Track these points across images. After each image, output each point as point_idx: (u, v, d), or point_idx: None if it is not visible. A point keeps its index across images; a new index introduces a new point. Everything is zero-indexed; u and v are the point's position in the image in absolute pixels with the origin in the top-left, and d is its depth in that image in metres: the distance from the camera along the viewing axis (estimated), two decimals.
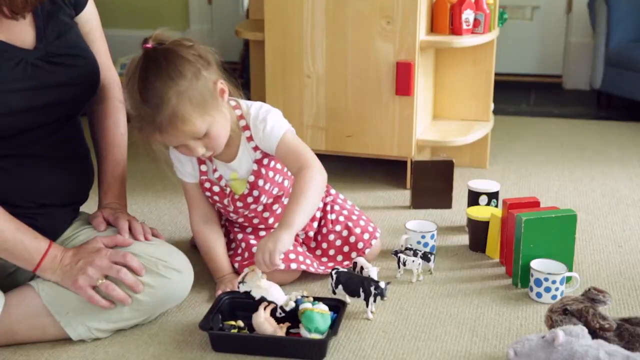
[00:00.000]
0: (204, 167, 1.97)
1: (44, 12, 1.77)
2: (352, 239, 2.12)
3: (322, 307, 1.75)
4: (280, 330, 1.73)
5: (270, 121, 1.90)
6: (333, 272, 1.92)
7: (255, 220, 2.06)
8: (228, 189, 1.96)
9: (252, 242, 2.05)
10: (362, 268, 2.02)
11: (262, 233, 2.07)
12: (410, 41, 2.64)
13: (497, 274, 2.14)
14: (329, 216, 2.15)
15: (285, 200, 2.02)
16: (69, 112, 1.81)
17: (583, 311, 1.67)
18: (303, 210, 1.79)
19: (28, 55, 1.71)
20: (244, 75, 4.30)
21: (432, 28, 2.82)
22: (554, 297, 1.95)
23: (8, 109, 1.66)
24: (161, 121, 1.70)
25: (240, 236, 2.07)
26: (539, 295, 1.97)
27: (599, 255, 2.27)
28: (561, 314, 1.70)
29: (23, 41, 1.73)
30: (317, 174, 1.85)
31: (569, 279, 2.04)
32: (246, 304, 1.82)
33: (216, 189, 1.97)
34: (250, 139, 1.92)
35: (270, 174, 1.96)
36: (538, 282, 1.96)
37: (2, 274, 1.78)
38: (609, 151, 3.24)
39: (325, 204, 2.17)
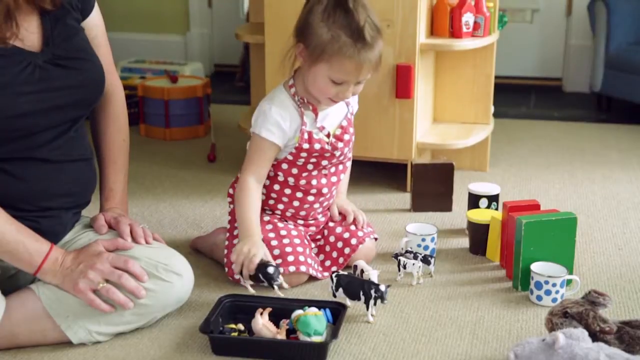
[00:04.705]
0: (305, 118, 2.03)
1: (51, 15, 1.77)
2: (347, 235, 2.15)
3: (313, 310, 1.75)
4: (280, 335, 1.73)
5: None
6: (333, 276, 1.92)
7: (325, 190, 2.11)
8: (330, 137, 2.06)
9: (273, 242, 2.05)
10: (362, 271, 2.02)
11: (282, 232, 2.08)
12: (410, 44, 2.65)
13: (498, 277, 2.15)
14: (330, 222, 2.19)
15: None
16: (75, 115, 1.81)
17: (583, 314, 1.67)
18: (346, 182, 2.26)
19: (35, 58, 1.72)
20: (244, 78, 4.31)
21: (432, 31, 2.82)
22: (554, 300, 1.95)
23: (16, 111, 1.67)
24: (372, 56, 1.92)
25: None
26: (539, 298, 1.97)
27: (599, 258, 2.27)
28: (561, 316, 1.70)
29: (30, 44, 1.73)
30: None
31: (569, 281, 2.04)
32: (247, 307, 1.82)
33: (316, 137, 2.03)
34: None
35: (351, 129, 2.14)
36: (538, 285, 1.96)
37: (3, 277, 1.78)
38: (609, 154, 3.25)
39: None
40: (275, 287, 1.90)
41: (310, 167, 2.07)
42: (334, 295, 1.92)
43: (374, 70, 1.97)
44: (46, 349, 1.75)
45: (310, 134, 2.03)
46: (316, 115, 2.04)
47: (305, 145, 2.02)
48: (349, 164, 2.20)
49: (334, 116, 2.09)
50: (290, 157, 2.05)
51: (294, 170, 2.07)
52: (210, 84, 3.60)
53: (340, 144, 2.07)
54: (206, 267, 2.17)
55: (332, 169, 2.12)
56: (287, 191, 2.09)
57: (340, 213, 2.20)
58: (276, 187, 2.10)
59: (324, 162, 2.08)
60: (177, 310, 1.90)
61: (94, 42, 1.89)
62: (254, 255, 1.92)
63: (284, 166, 2.06)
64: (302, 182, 2.08)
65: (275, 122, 1.99)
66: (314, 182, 2.09)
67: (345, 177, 2.23)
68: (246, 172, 2.03)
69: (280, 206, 2.12)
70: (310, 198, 2.10)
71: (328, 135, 2.05)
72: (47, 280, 1.73)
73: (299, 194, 2.09)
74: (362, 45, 1.89)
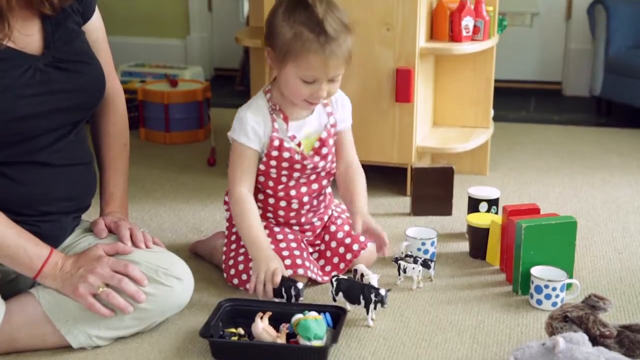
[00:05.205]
0: (277, 125, 2.00)
1: (52, 19, 1.77)
2: (348, 240, 2.14)
3: (313, 314, 1.75)
4: (280, 339, 1.73)
5: (348, 106, 2.13)
6: (333, 280, 1.92)
7: (305, 199, 2.08)
8: (301, 147, 2.02)
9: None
10: (362, 275, 2.02)
11: (279, 237, 2.07)
12: (410, 48, 2.65)
13: (498, 281, 2.14)
14: (332, 226, 2.17)
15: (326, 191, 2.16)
16: (76, 118, 1.81)
17: (583, 318, 1.67)
18: (364, 194, 2.12)
19: (36, 61, 1.72)
20: (244, 82, 4.31)
21: (432, 35, 2.82)
22: (554, 304, 1.95)
23: (17, 114, 1.67)
24: (336, 49, 1.88)
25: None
26: (539, 302, 1.97)
27: (599, 262, 2.27)
28: (562, 321, 1.70)
29: (31, 47, 1.73)
30: (363, 174, 2.17)
31: (569, 285, 2.04)
32: (247, 311, 1.82)
33: (287, 145, 2.00)
34: (326, 104, 2.07)
35: (331, 141, 2.08)
36: (538, 289, 1.96)
37: (3, 281, 1.78)
38: (609, 158, 3.25)
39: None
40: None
41: (284, 179, 2.05)
42: (334, 300, 1.92)
43: (343, 65, 1.93)
44: (46, 354, 1.75)
45: (281, 141, 2.00)
46: (287, 123, 2.01)
47: (274, 153, 2.00)
48: (360, 176, 2.13)
49: (310, 127, 2.04)
50: (262, 167, 2.03)
51: (270, 183, 2.06)
52: (210, 88, 3.60)
53: (316, 158, 2.04)
54: (206, 272, 2.17)
55: (313, 177, 2.08)
56: (271, 200, 2.09)
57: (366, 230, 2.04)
58: (260, 196, 2.09)
59: (296, 174, 2.04)
60: (177, 315, 1.89)
61: (95, 46, 1.90)
62: (276, 268, 1.89)
63: (261, 178, 2.06)
64: (281, 193, 2.07)
65: (252, 128, 1.99)
66: (292, 192, 2.07)
67: (361, 188, 2.12)
68: (235, 183, 2.01)
69: (270, 214, 2.11)
70: (295, 206, 2.09)
71: (299, 145, 2.02)
72: (47, 285, 1.73)
73: (283, 203, 2.09)
74: (325, 39, 1.87)
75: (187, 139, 3.45)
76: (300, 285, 1.87)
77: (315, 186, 2.09)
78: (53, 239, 1.79)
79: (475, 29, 2.80)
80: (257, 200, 2.08)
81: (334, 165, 2.12)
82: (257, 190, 2.08)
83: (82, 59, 1.82)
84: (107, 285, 1.71)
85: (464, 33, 2.77)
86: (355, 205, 2.07)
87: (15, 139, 1.70)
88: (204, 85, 3.60)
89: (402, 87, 2.66)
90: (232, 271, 2.07)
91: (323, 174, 2.10)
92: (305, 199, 2.09)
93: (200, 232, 2.47)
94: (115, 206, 1.95)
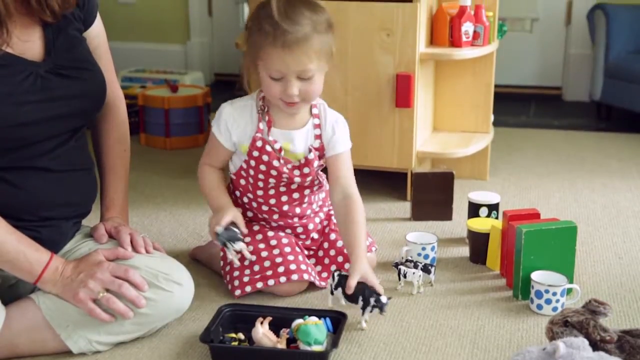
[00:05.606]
0: (261, 126, 2.00)
1: (54, 26, 1.77)
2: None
3: (313, 319, 1.75)
4: (280, 344, 1.73)
5: (343, 130, 2.05)
6: (335, 274, 1.91)
7: (285, 207, 2.07)
8: (281, 153, 2.01)
9: (263, 254, 2.03)
10: None
11: (272, 242, 2.06)
12: (410, 53, 2.65)
13: (498, 286, 2.14)
14: (332, 234, 2.16)
15: (315, 198, 2.13)
16: (76, 124, 1.82)
17: (584, 323, 1.67)
18: (364, 237, 1.98)
19: (37, 67, 1.72)
20: (244, 87, 4.31)
21: (432, 40, 2.83)
22: (554, 309, 1.95)
23: (18, 120, 1.67)
24: (290, 39, 1.84)
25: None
26: (539, 307, 1.97)
27: (600, 267, 2.27)
28: (562, 325, 1.70)
29: (31, 54, 1.73)
30: (362, 207, 2.03)
31: (569, 290, 2.04)
32: (247, 316, 1.82)
33: (268, 148, 2.00)
34: (317, 126, 2.03)
35: (316, 163, 2.04)
36: (539, 294, 1.96)
37: (3, 286, 1.78)
38: (609, 163, 3.25)
39: (329, 215, 2.19)
40: (230, 252, 1.95)
41: (260, 184, 2.04)
42: (332, 293, 1.91)
43: (307, 60, 1.86)
44: (46, 359, 1.75)
45: (264, 142, 1.99)
46: (269, 127, 2.00)
47: (255, 153, 2.00)
48: (359, 211, 2.01)
49: (298, 142, 2.01)
50: (244, 165, 2.04)
51: (250, 187, 2.06)
52: (210, 93, 3.61)
53: (296, 172, 2.02)
54: (206, 277, 2.17)
55: (293, 186, 2.06)
56: (254, 204, 2.09)
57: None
58: (245, 199, 2.10)
59: (272, 181, 2.03)
60: (177, 320, 1.89)
61: (96, 53, 1.90)
62: (221, 217, 1.97)
63: (242, 181, 2.06)
64: (260, 200, 2.07)
65: (224, 122, 2.03)
66: (272, 200, 2.07)
67: (360, 231, 1.98)
68: (201, 160, 2.10)
69: (259, 216, 2.12)
70: (276, 216, 2.09)
71: (280, 151, 2.00)
72: (47, 290, 1.73)
73: (265, 207, 2.09)
74: (281, 31, 1.84)
75: (188, 144, 3.45)
76: (219, 229, 1.94)
77: (296, 195, 2.08)
78: (53, 245, 1.80)
79: (475, 35, 2.81)
80: (243, 203, 2.11)
81: (317, 182, 2.09)
82: (242, 193, 2.10)
83: (83, 66, 1.82)
84: (108, 290, 1.71)
85: (464, 38, 2.78)
86: (354, 257, 1.93)
87: (15, 145, 1.70)
88: (204, 90, 3.60)
89: (402, 92, 2.67)
90: (228, 277, 2.07)
91: (305, 184, 2.08)
92: (286, 207, 2.08)
93: (200, 237, 2.47)
94: (115, 211, 1.95)
